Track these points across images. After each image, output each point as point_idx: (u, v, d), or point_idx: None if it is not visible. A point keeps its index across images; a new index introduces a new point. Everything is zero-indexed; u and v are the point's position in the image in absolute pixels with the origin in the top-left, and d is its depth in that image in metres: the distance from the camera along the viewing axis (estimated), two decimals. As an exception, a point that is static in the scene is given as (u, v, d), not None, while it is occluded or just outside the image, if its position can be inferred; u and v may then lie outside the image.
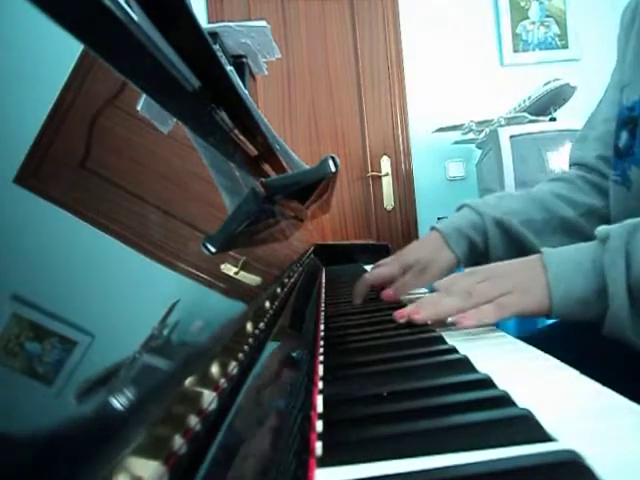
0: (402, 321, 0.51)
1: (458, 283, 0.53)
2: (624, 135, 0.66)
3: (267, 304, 0.40)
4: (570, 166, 0.82)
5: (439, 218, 2.12)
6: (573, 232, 0.72)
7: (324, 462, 0.24)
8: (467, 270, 0.57)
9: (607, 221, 0.65)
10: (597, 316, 0.49)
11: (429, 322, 0.51)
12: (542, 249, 0.53)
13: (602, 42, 2.58)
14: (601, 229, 0.50)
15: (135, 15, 0.28)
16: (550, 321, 0.64)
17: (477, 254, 0.72)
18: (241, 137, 0.52)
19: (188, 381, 0.19)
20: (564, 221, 0.73)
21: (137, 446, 0.14)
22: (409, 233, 2.69)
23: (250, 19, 2.50)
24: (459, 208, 0.77)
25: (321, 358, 0.42)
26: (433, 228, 0.74)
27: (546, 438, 0.25)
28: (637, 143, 0.63)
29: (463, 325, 0.48)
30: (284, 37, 2.66)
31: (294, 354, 0.40)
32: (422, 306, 0.51)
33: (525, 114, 2.23)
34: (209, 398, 0.21)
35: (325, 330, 0.54)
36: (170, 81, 0.33)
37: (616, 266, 0.47)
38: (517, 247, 0.71)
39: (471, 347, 0.41)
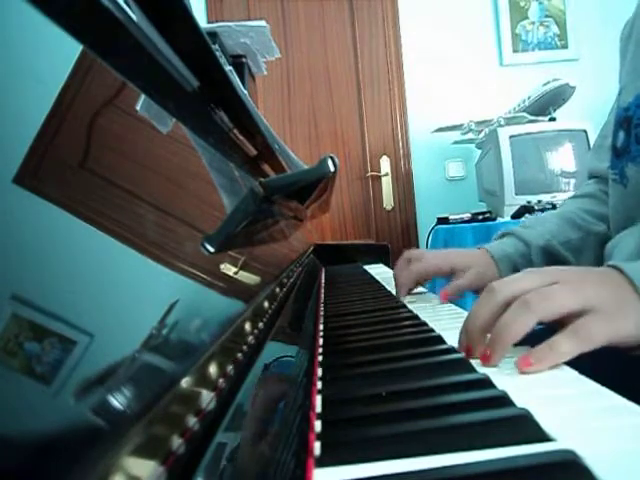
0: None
1: (531, 288, 0.40)
2: (621, 135, 0.68)
3: (266, 304, 0.40)
4: (589, 177, 0.87)
5: (439, 218, 2.12)
6: None
7: (323, 462, 0.24)
8: (527, 271, 0.44)
9: None
10: None
11: None
12: (614, 263, 0.43)
13: (602, 42, 2.59)
14: None
15: (134, 15, 0.28)
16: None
17: None
18: (240, 137, 0.52)
19: (187, 381, 0.19)
20: (598, 237, 0.75)
21: (135, 446, 0.14)
22: (409, 233, 2.69)
23: (249, 19, 2.50)
24: (502, 235, 0.80)
25: (320, 358, 0.42)
26: (480, 247, 0.76)
27: (544, 438, 0.25)
28: (632, 141, 0.64)
29: (534, 370, 0.35)
30: (283, 37, 2.66)
31: (293, 354, 0.40)
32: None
33: (524, 114, 2.23)
34: (207, 398, 0.21)
35: (324, 330, 0.54)
36: (169, 81, 0.33)
37: None
38: None
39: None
